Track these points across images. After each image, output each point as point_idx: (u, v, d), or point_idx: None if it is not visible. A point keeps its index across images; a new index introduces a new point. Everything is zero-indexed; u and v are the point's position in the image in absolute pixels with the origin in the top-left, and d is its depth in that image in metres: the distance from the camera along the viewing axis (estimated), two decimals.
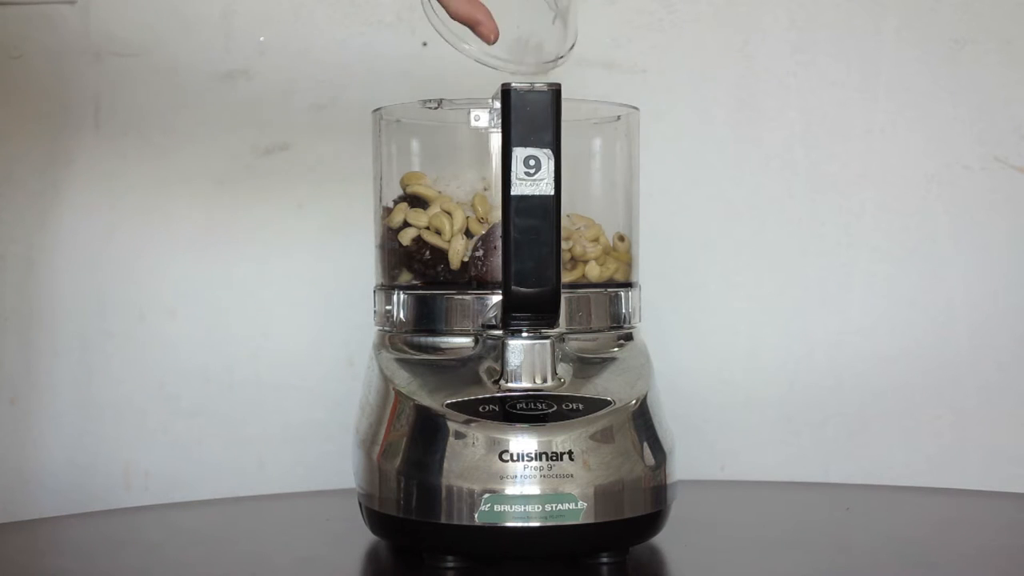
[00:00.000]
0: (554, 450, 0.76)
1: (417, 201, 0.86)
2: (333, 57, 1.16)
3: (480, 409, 0.77)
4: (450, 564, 0.78)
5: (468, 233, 0.84)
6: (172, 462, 1.14)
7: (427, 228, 0.84)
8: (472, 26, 0.78)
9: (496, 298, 0.81)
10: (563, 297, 0.78)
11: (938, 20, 1.18)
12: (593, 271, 0.85)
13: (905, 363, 1.18)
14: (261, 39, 1.16)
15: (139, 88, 1.15)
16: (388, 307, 0.85)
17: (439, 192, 0.86)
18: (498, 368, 0.79)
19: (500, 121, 0.77)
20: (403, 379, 0.81)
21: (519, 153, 0.76)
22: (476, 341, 0.82)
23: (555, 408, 0.77)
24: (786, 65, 1.18)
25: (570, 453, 0.76)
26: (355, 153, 1.08)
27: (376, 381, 0.83)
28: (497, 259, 0.81)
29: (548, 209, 0.76)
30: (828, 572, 0.82)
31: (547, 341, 0.79)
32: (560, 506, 0.75)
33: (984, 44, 1.18)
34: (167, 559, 0.85)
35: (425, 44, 1.15)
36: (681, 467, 0.83)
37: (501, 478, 0.75)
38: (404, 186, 0.87)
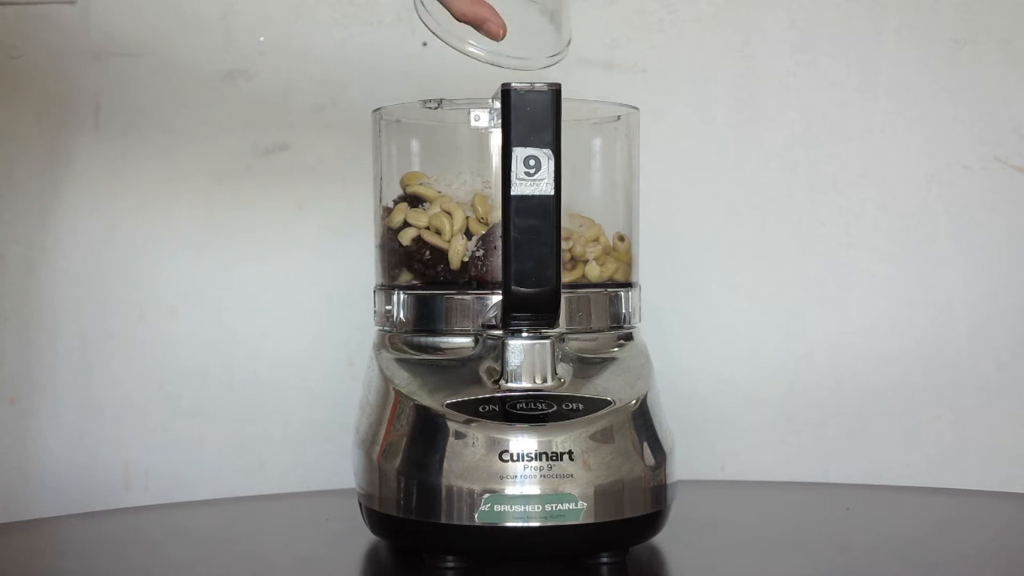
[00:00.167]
0: (554, 450, 0.76)
1: (417, 201, 0.86)
2: (333, 57, 1.16)
3: (480, 409, 0.77)
4: (450, 564, 0.78)
5: (468, 233, 0.84)
6: (172, 462, 1.14)
7: (427, 228, 0.84)
8: (478, 25, 0.78)
9: (496, 298, 0.81)
10: (563, 297, 0.78)
11: (938, 20, 1.18)
12: (593, 271, 0.85)
13: (905, 363, 1.18)
14: (261, 39, 1.16)
15: (139, 88, 1.15)
16: (388, 307, 0.85)
17: (439, 192, 0.86)
18: (498, 368, 0.79)
19: (500, 121, 0.77)
20: (403, 379, 0.81)
21: (519, 153, 0.76)
22: (476, 341, 0.82)
23: (555, 408, 0.77)
24: (786, 65, 1.18)
25: (570, 453, 0.76)
26: (355, 153, 1.08)
27: (376, 381, 0.83)
28: (497, 259, 0.81)
29: (548, 209, 0.76)
30: (828, 572, 0.82)
31: (547, 341, 0.79)
32: (560, 506, 0.75)
33: (984, 44, 1.18)
34: (167, 559, 0.85)
35: (425, 44, 1.15)
36: (681, 467, 0.83)
37: (501, 478, 0.75)
38: (404, 186, 0.87)
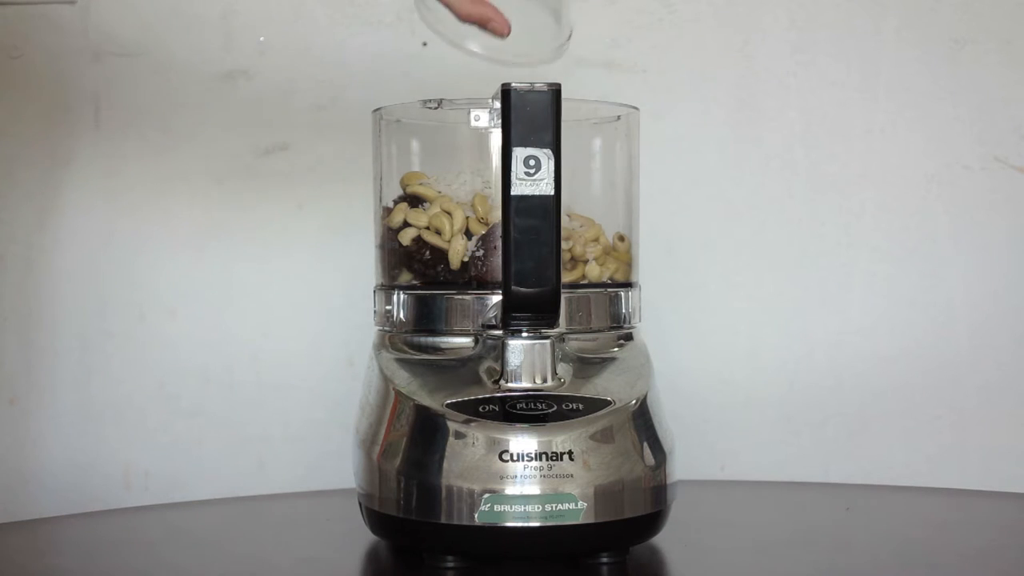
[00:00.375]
0: (554, 450, 0.76)
1: (417, 201, 0.86)
2: (333, 57, 1.16)
3: (480, 409, 0.77)
4: (450, 564, 0.78)
5: (468, 233, 0.84)
6: (172, 462, 1.14)
7: (427, 228, 0.84)
8: (482, 24, 0.78)
9: (496, 298, 0.81)
10: (563, 297, 0.78)
11: (938, 20, 1.18)
12: (593, 271, 0.85)
13: (905, 363, 1.18)
14: (261, 39, 1.16)
15: (139, 88, 1.15)
16: (388, 307, 0.85)
17: (439, 192, 0.86)
18: (498, 368, 0.79)
19: (500, 121, 0.77)
20: (403, 379, 0.81)
21: (519, 153, 0.76)
22: (476, 341, 0.82)
23: (555, 408, 0.77)
24: (786, 65, 1.18)
25: (570, 453, 0.76)
26: (355, 153, 1.08)
27: (376, 381, 0.83)
28: (497, 259, 0.81)
29: (548, 209, 0.76)
30: (828, 572, 0.82)
31: (547, 341, 0.79)
32: (560, 506, 0.75)
33: (984, 44, 1.18)
34: (167, 559, 0.85)
35: (425, 44, 1.15)
36: (681, 467, 0.83)
37: (501, 478, 0.75)
38: (404, 186, 0.87)
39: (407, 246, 0.85)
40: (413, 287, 0.85)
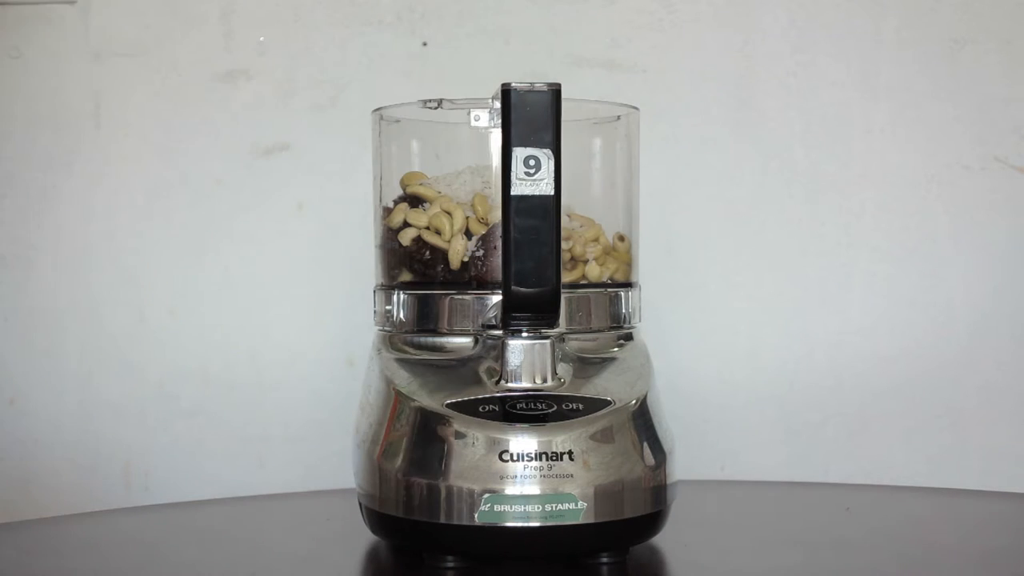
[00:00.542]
0: (554, 450, 0.76)
1: (417, 201, 0.86)
2: (333, 57, 1.16)
3: (480, 409, 0.77)
4: (450, 564, 0.78)
5: (468, 233, 0.84)
6: (172, 462, 1.14)
7: (427, 228, 0.84)
8: None
9: (496, 298, 0.81)
10: (563, 297, 0.78)
11: (938, 20, 1.18)
12: (593, 271, 0.85)
13: (905, 363, 1.18)
14: (261, 39, 1.16)
15: (139, 88, 1.15)
16: (388, 307, 0.85)
17: (439, 192, 0.86)
18: (498, 368, 0.79)
19: (500, 121, 0.77)
20: (403, 379, 0.81)
21: (519, 153, 0.76)
22: (476, 341, 0.82)
23: (555, 408, 0.77)
24: (786, 65, 1.18)
25: (570, 453, 0.76)
26: (355, 153, 1.08)
27: (376, 381, 0.83)
28: (497, 259, 0.81)
29: (548, 209, 0.76)
30: (828, 572, 0.82)
31: (547, 341, 0.79)
32: (560, 506, 0.75)
33: (984, 44, 1.18)
34: (167, 559, 0.85)
35: (425, 44, 1.15)
36: (681, 467, 0.83)
37: (501, 478, 0.75)
38: (404, 186, 0.87)
39: (407, 246, 0.85)
40: (413, 287, 0.85)
